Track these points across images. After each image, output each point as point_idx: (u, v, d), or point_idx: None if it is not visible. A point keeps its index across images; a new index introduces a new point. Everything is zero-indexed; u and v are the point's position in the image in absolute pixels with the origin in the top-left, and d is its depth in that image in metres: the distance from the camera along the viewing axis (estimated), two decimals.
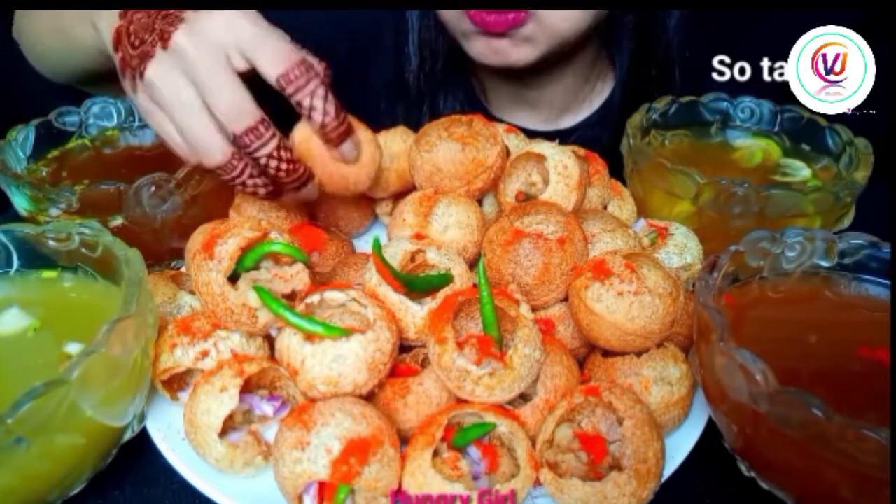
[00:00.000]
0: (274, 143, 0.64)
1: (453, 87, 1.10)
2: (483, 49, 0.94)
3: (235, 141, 0.64)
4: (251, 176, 0.66)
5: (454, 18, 0.94)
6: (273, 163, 0.65)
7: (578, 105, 1.13)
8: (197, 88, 0.63)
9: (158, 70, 0.63)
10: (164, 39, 0.62)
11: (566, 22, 0.91)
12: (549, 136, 0.87)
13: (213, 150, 0.64)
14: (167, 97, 0.63)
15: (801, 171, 0.87)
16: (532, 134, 0.89)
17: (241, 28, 0.63)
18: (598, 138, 1.06)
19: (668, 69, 1.04)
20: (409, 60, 1.07)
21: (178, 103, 0.63)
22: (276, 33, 0.65)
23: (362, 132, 0.71)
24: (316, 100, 0.64)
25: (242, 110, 0.63)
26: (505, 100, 1.12)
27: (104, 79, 0.85)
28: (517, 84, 1.08)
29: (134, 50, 0.64)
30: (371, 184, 0.74)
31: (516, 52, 0.93)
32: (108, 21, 0.69)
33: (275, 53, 0.63)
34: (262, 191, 0.68)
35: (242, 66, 0.63)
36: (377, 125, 0.83)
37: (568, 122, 1.13)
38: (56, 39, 0.87)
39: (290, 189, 0.69)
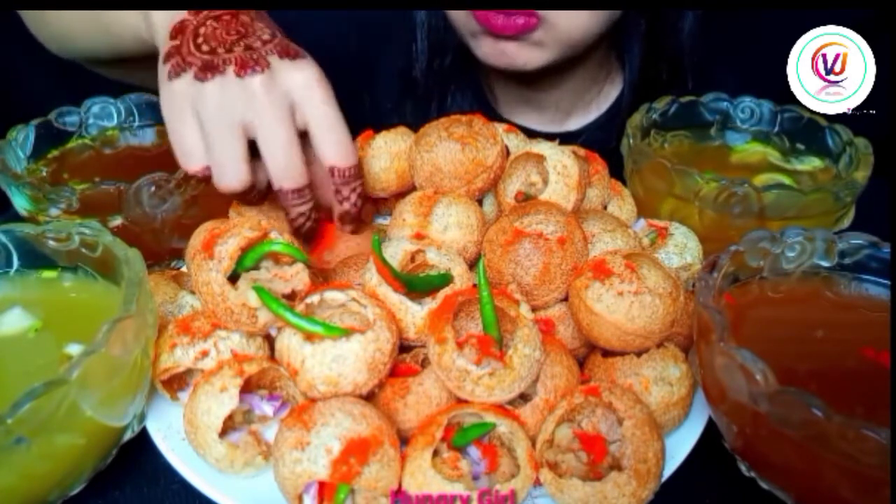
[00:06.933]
0: (310, 205, 0.68)
1: (463, 86, 1.09)
2: (490, 50, 0.93)
3: (279, 193, 0.66)
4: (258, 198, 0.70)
5: (462, 17, 0.94)
6: (301, 219, 0.69)
7: (585, 106, 1.12)
8: (252, 126, 0.63)
9: (223, 90, 0.62)
10: (242, 68, 0.62)
11: (577, 29, 0.90)
12: (555, 137, 0.84)
13: (239, 176, 0.64)
14: (216, 116, 0.62)
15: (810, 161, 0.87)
16: (539, 135, 0.88)
17: (315, 99, 0.64)
18: (606, 140, 1.04)
19: (680, 72, 1.04)
20: (417, 57, 1.06)
21: (225, 126, 0.63)
22: (342, 120, 0.66)
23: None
24: (353, 195, 0.70)
25: (297, 172, 0.65)
26: (512, 100, 1.12)
27: (122, 62, 0.87)
28: (523, 85, 1.07)
29: (198, 51, 0.64)
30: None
31: (524, 55, 0.92)
32: (165, 13, 0.69)
33: (339, 147, 0.66)
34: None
35: (303, 127, 0.65)
36: (384, 124, 0.83)
37: (575, 123, 1.12)
38: (87, 22, 0.86)
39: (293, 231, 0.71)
